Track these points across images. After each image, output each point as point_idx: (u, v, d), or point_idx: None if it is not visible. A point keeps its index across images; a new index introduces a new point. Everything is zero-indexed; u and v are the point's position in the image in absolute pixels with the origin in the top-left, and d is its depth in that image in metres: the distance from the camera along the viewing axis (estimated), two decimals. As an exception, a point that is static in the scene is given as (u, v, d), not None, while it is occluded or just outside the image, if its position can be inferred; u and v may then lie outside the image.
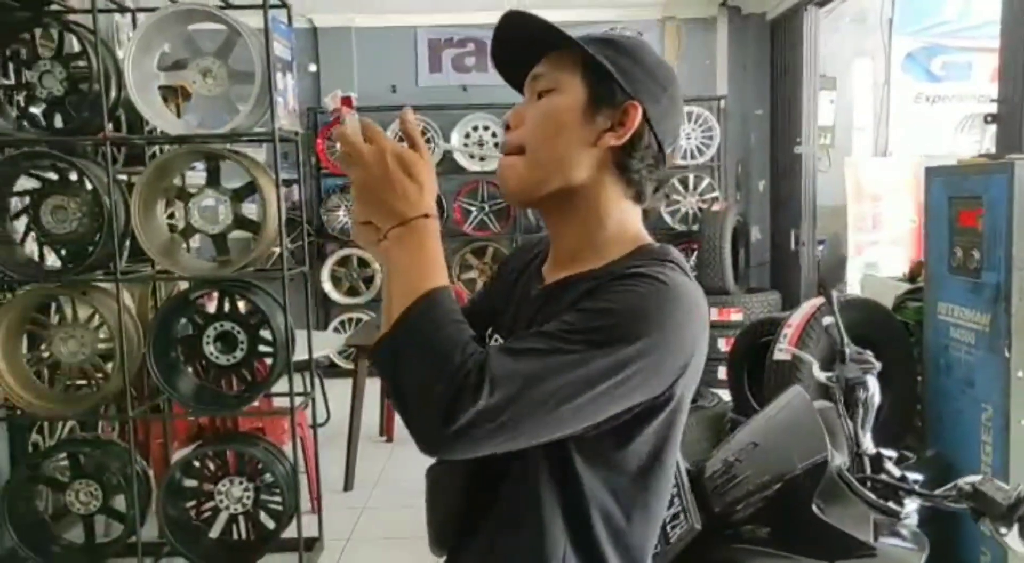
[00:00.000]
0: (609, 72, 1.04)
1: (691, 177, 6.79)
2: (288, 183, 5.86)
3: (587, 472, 1.00)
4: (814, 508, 1.55)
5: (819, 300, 3.33)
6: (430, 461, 1.12)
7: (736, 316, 5.90)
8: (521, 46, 1.09)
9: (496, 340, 1.13)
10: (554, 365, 0.90)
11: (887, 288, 3.87)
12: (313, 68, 6.95)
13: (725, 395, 4.06)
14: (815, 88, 6.19)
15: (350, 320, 7.00)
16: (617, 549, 1.02)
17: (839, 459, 1.66)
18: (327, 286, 6.97)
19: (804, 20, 6.15)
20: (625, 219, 1.09)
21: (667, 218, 6.75)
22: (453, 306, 0.94)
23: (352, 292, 7.03)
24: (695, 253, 6.49)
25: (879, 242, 5.47)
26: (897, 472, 1.63)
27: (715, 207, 6.38)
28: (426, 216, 0.98)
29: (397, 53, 7.00)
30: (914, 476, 1.61)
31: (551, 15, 1.03)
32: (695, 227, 6.62)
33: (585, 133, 1.05)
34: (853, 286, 4.84)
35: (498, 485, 1.05)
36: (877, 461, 1.68)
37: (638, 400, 0.95)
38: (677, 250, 1.09)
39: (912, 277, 3.91)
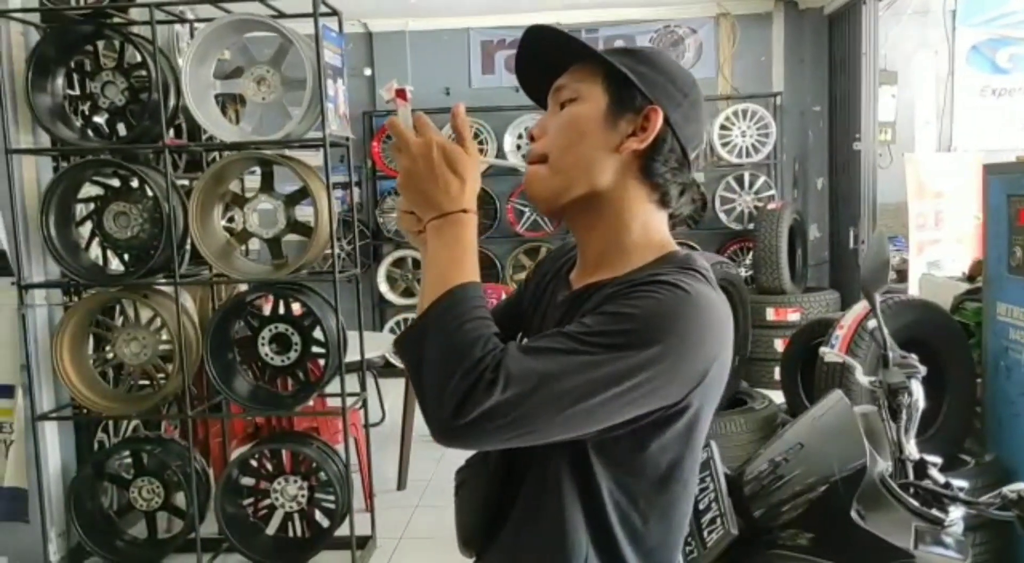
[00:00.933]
0: (629, 79, 1.05)
1: (746, 175, 6.70)
2: (342, 186, 5.95)
3: (604, 474, 1.01)
4: (853, 514, 1.53)
5: (873, 301, 3.26)
6: None
7: (793, 316, 5.80)
8: (544, 60, 1.11)
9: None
10: (570, 366, 0.91)
11: (946, 288, 3.77)
12: (368, 72, 7.06)
13: (777, 397, 4.00)
14: (875, 83, 6.05)
15: (405, 320, 7.07)
16: (638, 552, 1.03)
17: (881, 465, 1.63)
18: (383, 287, 7.06)
19: (863, 13, 6.02)
20: (650, 223, 1.10)
21: (722, 217, 6.68)
22: (479, 302, 0.97)
23: (407, 293, 7.10)
24: (751, 252, 6.41)
25: (941, 240, 5.32)
26: (941, 478, 1.60)
27: (771, 206, 6.28)
28: (464, 211, 1.01)
29: (450, 55, 7.06)
30: (959, 482, 1.58)
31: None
32: (751, 226, 6.53)
33: (607, 139, 1.06)
34: (913, 286, 4.71)
35: (521, 483, 1.07)
36: (921, 467, 1.64)
37: (653, 406, 0.96)
38: (703, 258, 1.10)
39: (972, 277, 3.80)
